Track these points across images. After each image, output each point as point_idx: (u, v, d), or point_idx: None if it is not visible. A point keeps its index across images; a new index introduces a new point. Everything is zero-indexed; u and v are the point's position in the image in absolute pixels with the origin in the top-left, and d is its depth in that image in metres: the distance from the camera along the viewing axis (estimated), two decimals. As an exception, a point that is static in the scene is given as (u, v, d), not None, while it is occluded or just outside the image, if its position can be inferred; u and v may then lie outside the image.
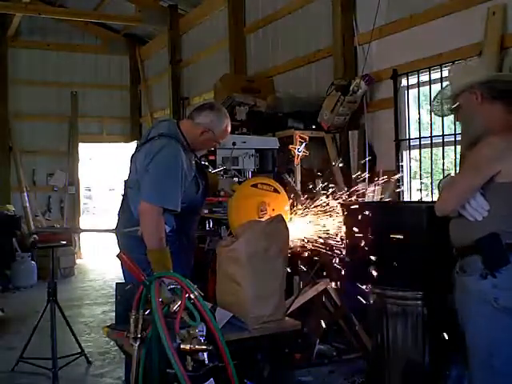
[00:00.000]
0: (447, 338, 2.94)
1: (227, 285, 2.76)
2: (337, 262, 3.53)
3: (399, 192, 4.55)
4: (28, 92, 10.10)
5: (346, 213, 3.40)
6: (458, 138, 4.01)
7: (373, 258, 3.10)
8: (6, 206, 8.90)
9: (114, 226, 3.23)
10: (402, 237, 3.05)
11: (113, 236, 3.24)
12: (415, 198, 4.68)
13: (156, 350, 1.96)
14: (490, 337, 2.40)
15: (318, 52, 5.79)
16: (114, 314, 2.74)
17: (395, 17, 4.78)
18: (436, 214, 2.54)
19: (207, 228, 4.56)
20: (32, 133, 10.06)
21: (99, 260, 10.31)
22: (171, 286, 2.08)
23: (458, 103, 2.60)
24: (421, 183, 4.64)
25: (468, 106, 2.57)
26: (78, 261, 9.76)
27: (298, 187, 4.62)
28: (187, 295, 1.99)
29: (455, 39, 4.15)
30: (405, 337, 3.15)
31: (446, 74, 4.27)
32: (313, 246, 3.38)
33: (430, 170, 4.51)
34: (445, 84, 4.35)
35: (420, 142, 4.61)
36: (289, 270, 2.94)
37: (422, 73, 4.51)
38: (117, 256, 2.14)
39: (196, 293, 2.01)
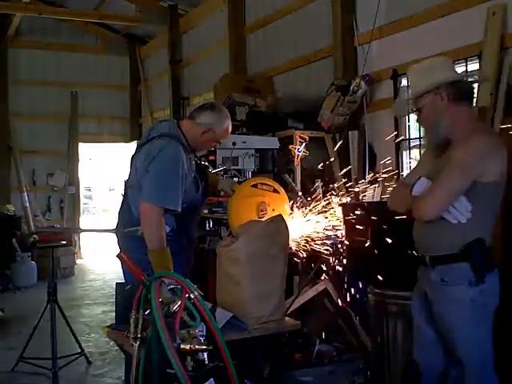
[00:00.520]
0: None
1: (227, 285, 2.76)
2: (337, 262, 3.54)
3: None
4: (28, 92, 10.11)
5: (345, 213, 3.40)
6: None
7: (372, 258, 3.10)
8: (6, 206, 8.90)
9: (114, 226, 3.23)
10: (390, 241, 3.07)
11: (113, 236, 3.24)
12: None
13: (156, 350, 1.96)
14: (486, 344, 2.43)
15: (318, 52, 5.79)
16: (114, 314, 2.75)
17: (395, 17, 4.77)
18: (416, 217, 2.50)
19: (207, 228, 4.56)
20: (32, 133, 10.06)
21: (99, 260, 10.31)
22: (171, 286, 2.08)
23: (420, 104, 2.55)
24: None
25: (433, 107, 2.51)
26: (78, 261, 9.77)
27: (298, 187, 4.62)
28: (187, 295, 1.99)
29: (455, 39, 4.15)
30: (405, 337, 3.15)
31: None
32: (312, 245, 3.38)
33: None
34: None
35: (420, 141, 4.61)
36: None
37: (422, 73, 4.50)
38: (117, 256, 2.14)
39: (196, 293, 2.01)
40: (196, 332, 1.98)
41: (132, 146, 10.29)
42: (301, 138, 4.67)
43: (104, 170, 17.07)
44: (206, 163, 4.27)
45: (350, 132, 5.01)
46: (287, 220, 3.00)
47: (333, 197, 3.65)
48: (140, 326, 2.00)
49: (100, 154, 16.02)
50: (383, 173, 4.24)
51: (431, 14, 4.41)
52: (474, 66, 4.07)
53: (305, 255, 3.49)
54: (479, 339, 2.44)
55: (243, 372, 2.21)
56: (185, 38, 9.20)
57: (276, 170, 4.92)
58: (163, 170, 2.90)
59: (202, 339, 1.98)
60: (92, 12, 9.79)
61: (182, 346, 1.93)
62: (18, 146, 9.86)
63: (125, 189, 3.19)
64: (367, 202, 3.95)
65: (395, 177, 4.38)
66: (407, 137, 4.80)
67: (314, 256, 3.64)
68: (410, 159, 4.83)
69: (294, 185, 4.40)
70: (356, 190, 4.05)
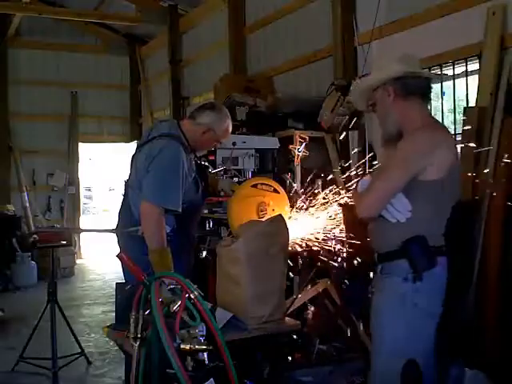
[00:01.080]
0: (447, 338, 2.93)
1: (227, 285, 2.76)
2: (337, 261, 3.53)
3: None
4: (28, 92, 10.11)
5: (345, 213, 3.40)
6: (458, 138, 4.00)
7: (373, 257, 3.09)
8: (6, 206, 8.90)
9: (114, 226, 3.24)
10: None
11: (113, 236, 3.24)
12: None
13: (156, 350, 1.96)
14: (407, 339, 2.32)
15: (318, 52, 5.78)
16: (114, 314, 2.75)
17: (395, 17, 4.77)
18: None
19: (207, 228, 4.56)
20: (32, 133, 10.05)
21: (99, 260, 10.31)
22: (171, 286, 2.08)
23: (373, 99, 2.51)
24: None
25: (382, 103, 2.47)
26: (78, 261, 9.77)
27: (298, 187, 4.61)
28: (187, 295, 1.98)
29: (455, 39, 4.15)
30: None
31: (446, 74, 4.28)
32: (312, 245, 3.38)
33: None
34: (443, 84, 4.37)
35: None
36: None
37: (422, 73, 4.50)
38: (117, 256, 2.14)
39: (196, 293, 2.01)
40: (196, 332, 1.98)
41: (132, 146, 10.30)
42: (301, 138, 4.67)
43: (104, 169, 17.09)
44: (206, 163, 4.28)
45: (349, 132, 5.01)
46: (287, 220, 3.00)
47: (331, 196, 3.65)
48: (140, 326, 2.00)
49: (100, 154, 16.04)
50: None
51: (431, 14, 4.41)
52: (474, 66, 4.07)
53: (305, 255, 3.49)
54: (398, 335, 2.33)
55: (243, 372, 2.20)
56: (185, 38, 9.20)
57: (276, 170, 4.92)
58: (164, 170, 2.90)
59: (201, 339, 1.98)
60: (92, 12, 9.78)
61: (182, 346, 1.93)
62: (17, 146, 9.87)
63: (125, 189, 3.19)
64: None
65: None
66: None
67: (314, 256, 3.64)
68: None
69: (294, 185, 4.40)
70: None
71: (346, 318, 4.22)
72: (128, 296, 2.32)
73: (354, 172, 3.96)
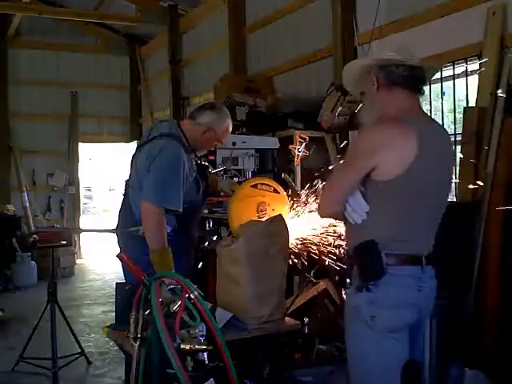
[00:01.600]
0: (447, 338, 2.94)
1: (227, 285, 2.76)
2: (337, 261, 3.53)
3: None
4: (28, 92, 10.10)
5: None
6: (458, 138, 4.01)
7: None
8: (6, 206, 8.90)
9: (114, 226, 3.24)
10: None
11: (113, 236, 3.24)
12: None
13: (156, 350, 1.96)
14: (363, 359, 2.14)
15: (318, 52, 5.79)
16: (113, 314, 2.75)
17: (395, 17, 4.77)
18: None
19: (207, 228, 4.56)
20: (32, 133, 10.05)
21: (99, 260, 10.31)
22: (171, 286, 2.08)
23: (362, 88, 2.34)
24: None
25: (368, 92, 2.29)
26: (78, 261, 9.77)
27: (298, 187, 4.61)
28: (187, 295, 1.98)
29: (455, 39, 4.15)
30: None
31: (446, 74, 4.28)
32: (312, 245, 3.37)
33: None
34: (443, 84, 4.37)
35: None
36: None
37: (422, 73, 4.50)
38: (117, 256, 2.14)
39: (196, 293, 2.01)
40: (196, 332, 1.98)
41: (132, 146, 10.30)
42: (301, 138, 4.67)
43: (104, 169, 17.09)
44: (206, 163, 4.28)
45: (349, 132, 5.01)
46: (287, 220, 3.00)
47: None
48: (140, 326, 2.00)
49: (100, 154, 16.04)
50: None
51: (431, 13, 4.41)
52: (474, 66, 4.07)
53: (305, 254, 3.49)
54: (358, 351, 2.16)
55: (243, 372, 2.20)
56: (185, 38, 9.20)
57: (276, 170, 4.92)
58: (164, 170, 2.90)
59: (201, 339, 1.98)
60: (92, 12, 9.78)
61: (182, 346, 1.93)
62: (17, 146, 9.86)
63: (125, 189, 3.19)
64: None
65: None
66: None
67: (314, 256, 3.64)
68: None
69: (294, 185, 4.40)
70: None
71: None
72: (128, 296, 2.32)
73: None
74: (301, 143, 4.58)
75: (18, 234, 8.51)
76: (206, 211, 4.21)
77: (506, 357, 3.27)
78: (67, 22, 10.05)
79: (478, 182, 3.49)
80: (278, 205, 3.24)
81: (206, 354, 1.96)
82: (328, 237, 3.28)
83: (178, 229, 3.04)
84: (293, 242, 3.19)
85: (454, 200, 3.86)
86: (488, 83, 3.72)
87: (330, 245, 3.35)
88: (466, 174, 3.64)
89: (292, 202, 3.34)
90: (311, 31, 5.91)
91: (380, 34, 4.87)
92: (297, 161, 4.66)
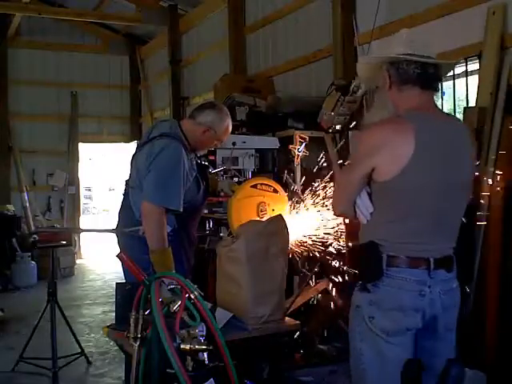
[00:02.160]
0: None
1: (227, 285, 2.76)
2: (337, 261, 3.53)
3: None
4: (28, 92, 10.10)
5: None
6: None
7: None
8: (6, 206, 8.90)
9: (114, 226, 3.23)
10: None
11: (113, 236, 3.24)
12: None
13: (156, 350, 1.96)
14: (361, 356, 2.14)
15: (318, 52, 5.79)
16: (114, 314, 2.75)
17: (395, 17, 4.77)
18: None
19: (207, 228, 4.56)
20: (32, 133, 10.05)
21: (99, 260, 10.31)
22: (171, 286, 2.08)
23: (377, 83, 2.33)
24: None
25: (380, 88, 2.24)
26: (78, 261, 9.77)
27: (298, 187, 4.61)
28: (187, 295, 1.98)
29: (455, 39, 4.15)
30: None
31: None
32: (311, 245, 3.38)
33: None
34: (444, 84, 4.36)
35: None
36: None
37: (422, 73, 4.50)
38: (117, 256, 2.14)
39: (196, 293, 2.01)
40: (196, 332, 1.98)
41: (132, 146, 10.30)
42: (301, 138, 4.67)
43: (104, 169, 17.10)
44: (206, 163, 4.28)
45: (350, 132, 5.01)
46: (287, 220, 3.00)
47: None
48: (140, 326, 2.00)
49: (100, 154, 16.05)
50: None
51: (431, 13, 4.41)
52: (474, 66, 4.07)
53: (305, 254, 3.49)
54: (359, 352, 2.14)
55: (243, 372, 2.20)
56: (185, 38, 9.20)
57: (276, 170, 4.92)
58: (164, 170, 2.90)
59: (201, 339, 1.98)
60: (92, 12, 9.78)
61: (182, 346, 1.93)
62: (17, 146, 9.86)
63: (126, 189, 3.19)
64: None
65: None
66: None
67: (314, 256, 3.64)
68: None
69: (293, 185, 4.40)
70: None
71: (346, 318, 4.22)
72: (128, 296, 2.32)
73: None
74: (301, 143, 4.59)
75: (18, 234, 8.51)
76: (205, 211, 4.21)
77: (505, 357, 3.27)
78: (67, 21, 10.05)
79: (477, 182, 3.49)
80: (278, 205, 3.24)
81: (205, 354, 1.96)
82: (328, 236, 3.29)
83: (178, 229, 3.04)
84: (293, 241, 3.20)
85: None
86: (488, 83, 3.72)
87: (330, 245, 3.36)
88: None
89: (292, 201, 3.34)
90: (311, 31, 5.91)
91: (380, 34, 4.87)
92: (297, 161, 4.66)
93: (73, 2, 9.83)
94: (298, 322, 2.90)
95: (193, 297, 2.00)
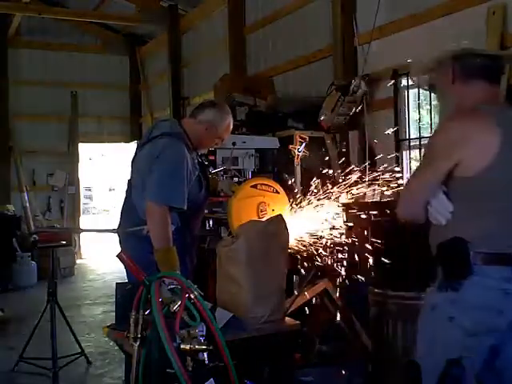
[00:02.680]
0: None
1: (227, 285, 2.76)
2: (337, 261, 3.53)
3: (399, 192, 4.54)
4: (28, 92, 10.10)
5: (346, 213, 3.40)
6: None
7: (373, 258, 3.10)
8: (6, 206, 8.90)
9: (114, 226, 3.23)
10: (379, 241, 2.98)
11: (113, 236, 3.23)
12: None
13: (156, 350, 1.95)
14: (442, 354, 2.03)
15: (318, 52, 5.79)
16: (114, 314, 2.75)
17: (395, 17, 4.78)
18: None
19: (207, 228, 4.56)
20: (32, 133, 10.05)
21: (99, 260, 10.31)
22: (171, 286, 2.08)
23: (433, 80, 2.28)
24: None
25: (440, 86, 2.21)
26: (78, 261, 9.77)
27: (298, 187, 4.61)
28: (187, 295, 1.98)
29: (455, 39, 4.14)
30: (405, 337, 3.15)
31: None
32: (312, 246, 3.38)
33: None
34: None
35: (420, 142, 4.61)
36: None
37: (422, 73, 4.50)
38: (117, 256, 2.14)
39: (196, 293, 2.01)
40: (196, 332, 1.97)
41: (132, 146, 10.29)
42: (301, 138, 4.67)
43: (104, 169, 17.10)
44: (206, 163, 4.28)
45: (350, 132, 5.01)
46: (287, 220, 3.00)
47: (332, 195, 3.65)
48: (140, 326, 2.00)
49: (100, 154, 16.05)
50: (383, 173, 4.24)
51: (431, 13, 4.41)
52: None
53: (305, 255, 3.49)
54: (429, 360, 2.04)
55: (243, 372, 2.20)
56: (185, 38, 9.21)
57: (276, 170, 4.92)
58: (167, 169, 2.89)
59: (201, 339, 1.98)
60: (92, 12, 9.79)
61: (182, 346, 1.93)
62: (18, 146, 9.86)
63: (128, 188, 3.18)
64: (370, 202, 3.94)
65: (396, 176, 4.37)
66: (407, 137, 4.81)
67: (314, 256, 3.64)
68: (410, 159, 4.84)
69: (294, 184, 4.40)
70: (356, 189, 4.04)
71: (346, 318, 4.22)
72: (128, 296, 2.32)
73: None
74: (301, 143, 4.59)
75: (18, 234, 8.52)
76: (206, 211, 4.21)
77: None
78: (67, 22, 10.05)
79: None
80: (278, 205, 3.24)
81: (205, 354, 1.96)
82: (328, 236, 3.29)
83: (181, 227, 3.03)
84: (293, 242, 3.20)
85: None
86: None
87: (330, 245, 3.36)
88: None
89: (292, 201, 3.34)
90: (311, 31, 5.91)
91: (380, 34, 4.88)
92: (297, 161, 4.66)
93: (73, 2, 9.84)
94: (298, 321, 2.89)
95: (193, 297, 2.00)
